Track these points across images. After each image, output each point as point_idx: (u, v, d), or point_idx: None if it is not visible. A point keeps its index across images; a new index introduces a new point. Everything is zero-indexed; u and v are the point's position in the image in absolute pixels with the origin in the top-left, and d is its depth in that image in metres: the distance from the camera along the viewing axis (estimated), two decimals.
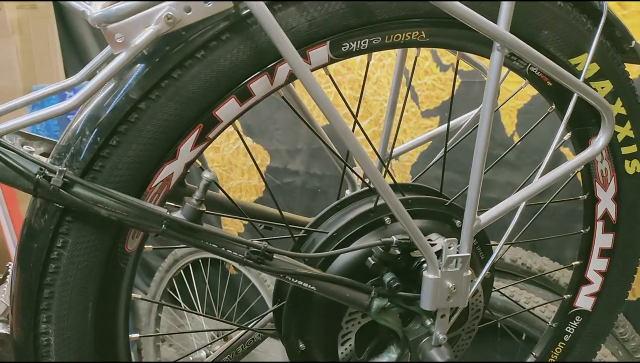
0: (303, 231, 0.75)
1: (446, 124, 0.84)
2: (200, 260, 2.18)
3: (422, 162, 1.62)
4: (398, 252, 0.68)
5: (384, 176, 0.68)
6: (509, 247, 1.02)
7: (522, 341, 1.30)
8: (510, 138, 1.47)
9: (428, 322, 0.70)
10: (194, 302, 2.32)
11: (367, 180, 0.77)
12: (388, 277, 0.68)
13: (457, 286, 0.66)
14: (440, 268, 0.65)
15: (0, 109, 0.60)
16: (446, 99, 1.52)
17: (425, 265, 0.67)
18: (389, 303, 0.68)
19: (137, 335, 0.72)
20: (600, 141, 0.70)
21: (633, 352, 1.30)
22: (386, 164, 0.78)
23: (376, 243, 0.66)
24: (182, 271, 2.29)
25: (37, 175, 0.52)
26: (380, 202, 0.73)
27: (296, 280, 0.64)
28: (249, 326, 0.86)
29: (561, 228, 1.46)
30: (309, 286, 0.64)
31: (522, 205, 0.68)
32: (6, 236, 2.31)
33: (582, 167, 0.84)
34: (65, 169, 0.53)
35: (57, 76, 2.22)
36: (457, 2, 0.58)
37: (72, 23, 2.18)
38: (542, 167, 0.68)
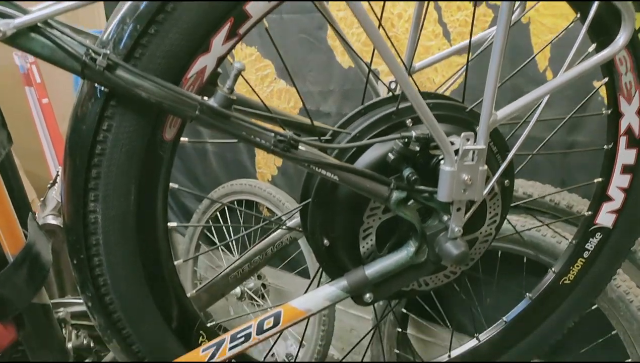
0: (329, 133, 0.79)
1: (469, 39, 0.86)
2: (235, 202, 2.26)
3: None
4: (417, 148, 0.71)
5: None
6: (530, 156, 1.04)
7: None
8: (542, 74, 1.46)
9: (445, 218, 0.74)
10: (230, 242, 2.42)
11: (392, 86, 0.80)
12: (407, 172, 0.71)
13: (472, 179, 0.69)
14: (456, 161, 0.68)
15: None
16: (479, 35, 1.51)
17: (443, 161, 0.71)
18: (407, 196, 0.72)
19: (174, 223, 0.78)
20: (620, 39, 0.71)
21: None
22: (409, 71, 0.81)
23: (396, 136, 0.70)
24: (218, 213, 2.38)
25: (84, 57, 0.58)
26: (402, 106, 0.76)
27: (320, 170, 0.68)
28: (279, 227, 0.91)
29: (592, 165, 1.46)
30: (332, 176, 0.69)
31: (545, 100, 0.70)
32: (49, 162, 2.45)
33: (607, 80, 0.85)
34: (109, 52, 0.58)
35: (100, 22, 2.30)
36: None
37: None
38: (566, 64, 0.69)
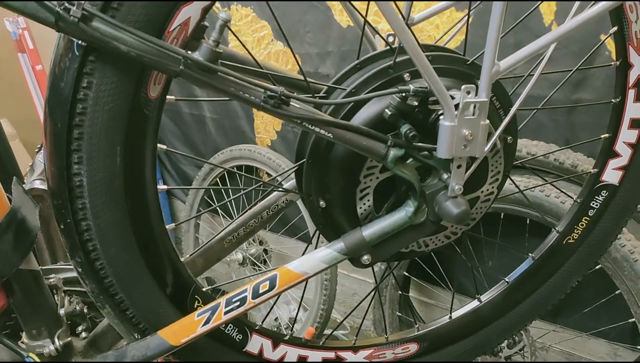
0: (323, 90, 0.75)
1: None
2: (235, 168, 2.24)
3: None
4: (415, 103, 0.67)
5: None
6: (535, 111, 1.00)
7: None
8: (548, 28, 1.41)
9: (445, 176, 0.71)
10: (230, 208, 2.41)
11: (389, 39, 0.76)
12: (405, 128, 0.68)
13: (473, 134, 0.66)
14: (456, 115, 0.65)
15: None
16: None
17: (442, 116, 0.67)
18: (405, 154, 0.69)
19: (164, 186, 0.76)
20: None
21: None
22: (407, 21, 0.77)
23: (393, 91, 0.66)
24: (218, 179, 2.36)
25: (58, 7, 0.54)
26: (399, 59, 0.72)
27: (313, 127, 0.65)
28: (274, 188, 0.88)
29: (597, 124, 1.42)
30: (326, 133, 0.65)
31: (551, 49, 0.66)
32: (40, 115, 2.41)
33: (616, 28, 0.81)
34: (84, 1, 0.55)
35: None
36: None
37: None
38: (573, 10, 0.65)
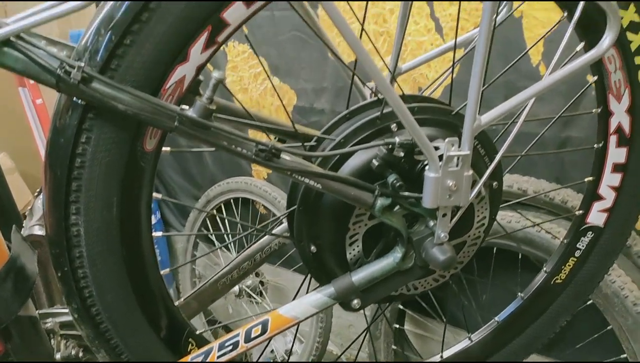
0: (314, 139, 0.78)
1: (455, 40, 0.85)
2: (231, 200, 2.26)
3: (446, 95, 1.62)
4: (402, 154, 0.70)
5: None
6: (520, 157, 1.03)
7: None
8: (536, 68, 1.45)
9: (431, 223, 0.73)
10: (227, 239, 2.42)
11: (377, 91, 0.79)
12: (392, 178, 0.71)
13: (457, 185, 0.68)
14: (440, 167, 0.67)
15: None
16: (471, 32, 1.49)
17: (427, 167, 0.70)
18: (392, 202, 0.71)
19: (159, 233, 0.78)
20: (606, 40, 0.70)
21: None
22: (394, 74, 0.80)
23: (379, 143, 0.69)
24: (215, 210, 2.37)
25: (58, 70, 0.57)
26: (387, 110, 0.75)
27: (303, 178, 0.67)
28: (266, 233, 0.90)
29: (585, 163, 1.45)
30: (315, 184, 0.68)
31: (530, 103, 0.69)
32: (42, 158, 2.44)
33: (596, 78, 0.84)
34: (83, 64, 0.58)
35: None
36: None
37: None
38: (552, 65, 0.68)
